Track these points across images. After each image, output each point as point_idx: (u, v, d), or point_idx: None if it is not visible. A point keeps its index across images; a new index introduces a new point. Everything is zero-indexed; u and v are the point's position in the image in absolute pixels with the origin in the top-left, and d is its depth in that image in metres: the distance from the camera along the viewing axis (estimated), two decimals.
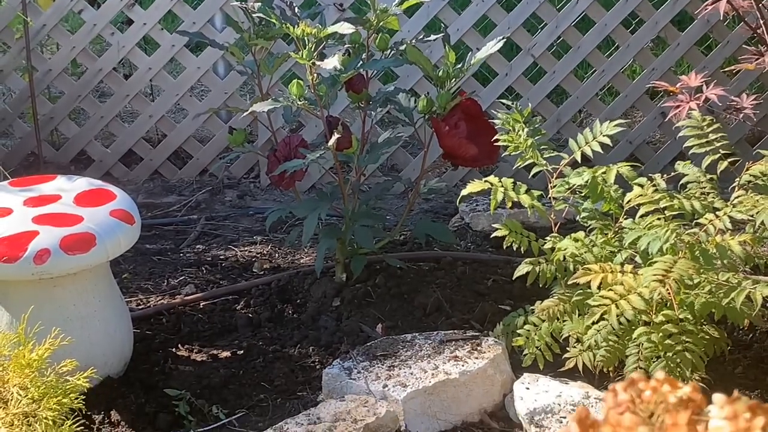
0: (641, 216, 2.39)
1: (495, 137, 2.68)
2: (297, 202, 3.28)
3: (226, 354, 2.90)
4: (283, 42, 3.95)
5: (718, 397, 0.72)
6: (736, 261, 2.41)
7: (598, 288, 2.25)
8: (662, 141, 4.40)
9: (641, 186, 2.41)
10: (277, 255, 3.60)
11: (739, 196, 2.40)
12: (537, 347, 2.53)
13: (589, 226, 2.60)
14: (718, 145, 2.55)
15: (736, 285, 2.24)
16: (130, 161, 4.39)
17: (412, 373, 2.52)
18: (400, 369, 2.55)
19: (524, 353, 2.55)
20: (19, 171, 3.98)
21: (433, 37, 3.07)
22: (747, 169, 2.50)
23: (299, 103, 2.86)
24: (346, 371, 2.56)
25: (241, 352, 2.90)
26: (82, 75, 4.32)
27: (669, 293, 2.18)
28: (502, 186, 2.50)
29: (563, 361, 2.49)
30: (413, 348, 2.64)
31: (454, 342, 2.66)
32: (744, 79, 4.09)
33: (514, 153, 2.60)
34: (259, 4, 2.92)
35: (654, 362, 2.31)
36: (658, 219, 2.33)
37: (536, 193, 2.55)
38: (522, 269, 2.56)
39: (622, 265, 2.34)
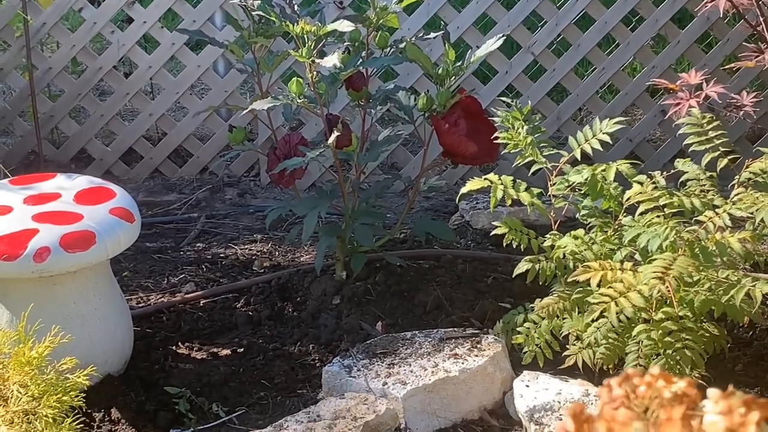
0: (641, 213, 2.39)
1: (495, 135, 2.68)
2: (297, 200, 3.28)
3: (226, 352, 2.90)
4: (283, 40, 3.95)
5: (712, 392, 0.72)
6: (735, 258, 2.41)
7: (598, 285, 2.25)
8: (662, 139, 4.40)
9: (641, 183, 2.41)
10: (277, 253, 3.60)
11: (738, 194, 2.40)
12: (537, 345, 2.53)
13: (589, 223, 2.60)
14: (718, 142, 2.55)
15: (736, 282, 2.24)
16: (130, 159, 4.40)
17: (411, 371, 2.52)
18: (400, 367, 2.55)
19: (524, 351, 2.55)
20: (19, 169, 3.98)
21: (432, 34, 3.08)
22: (747, 167, 2.50)
23: (299, 101, 2.86)
24: (346, 369, 2.56)
25: (242, 350, 2.90)
26: (83, 73, 4.32)
27: (668, 291, 2.18)
28: (502, 184, 2.50)
29: (563, 358, 2.49)
30: (413, 346, 2.64)
31: (454, 340, 2.66)
32: (744, 76, 4.09)
33: (513, 151, 2.60)
34: (259, 2, 2.92)
35: (654, 360, 2.31)
36: (658, 216, 2.33)
37: (536, 190, 2.55)
38: (522, 267, 2.56)
39: (621, 262, 2.34)
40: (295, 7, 3.00)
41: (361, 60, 2.96)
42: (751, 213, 2.32)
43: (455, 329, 2.74)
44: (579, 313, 2.45)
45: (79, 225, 2.57)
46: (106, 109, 4.31)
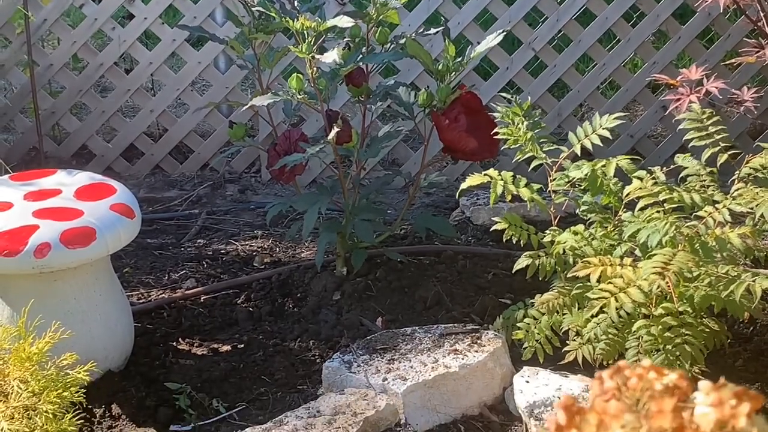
0: (640, 209, 2.39)
1: (495, 130, 2.68)
2: (297, 196, 3.28)
3: (226, 348, 2.90)
4: (283, 36, 3.96)
5: (703, 384, 0.72)
6: (735, 254, 2.41)
7: (598, 281, 2.25)
8: (663, 135, 4.40)
9: (640, 179, 2.41)
10: (277, 249, 3.60)
11: (738, 189, 2.40)
12: (537, 340, 2.53)
13: (589, 219, 2.60)
14: (718, 138, 2.54)
15: (736, 277, 2.24)
16: (131, 156, 4.40)
17: (411, 367, 2.52)
18: (399, 362, 2.55)
19: (524, 346, 2.55)
20: (20, 166, 3.98)
21: (433, 30, 3.07)
22: (747, 162, 2.49)
23: (299, 96, 2.86)
24: (346, 365, 2.56)
25: (242, 345, 2.91)
26: (84, 70, 4.33)
27: (668, 286, 2.18)
28: (502, 179, 2.50)
29: (563, 354, 2.49)
30: (413, 341, 2.65)
31: (454, 335, 2.66)
32: (745, 72, 4.09)
33: (513, 146, 2.60)
34: None
35: (654, 355, 2.31)
36: (658, 212, 2.33)
37: (536, 186, 2.55)
38: (521, 262, 2.56)
39: (621, 258, 2.34)
40: (295, 3, 3.00)
41: (361, 56, 2.96)
42: (751, 208, 2.31)
43: (455, 325, 2.75)
44: (579, 308, 2.45)
45: (79, 221, 2.57)
46: (107, 106, 4.32)
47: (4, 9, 4.18)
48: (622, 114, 2.58)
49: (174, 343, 2.94)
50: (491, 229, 2.71)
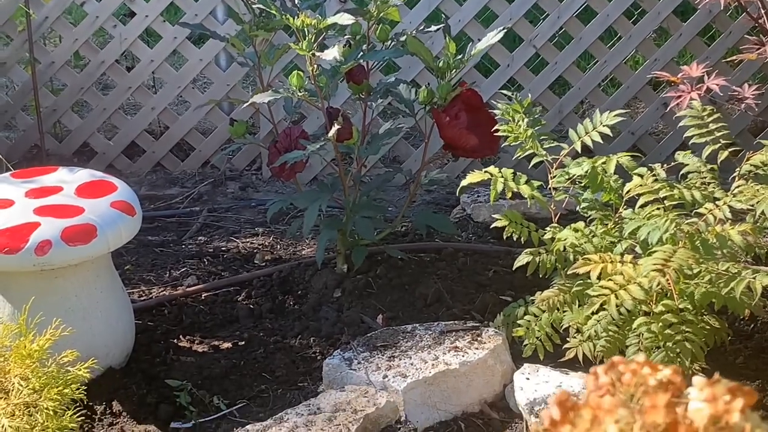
0: (641, 206, 2.38)
1: (495, 128, 2.67)
2: (298, 193, 3.28)
3: (227, 345, 2.91)
4: (284, 33, 3.96)
5: (697, 380, 0.72)
6: (736, 251, 2.41)
7: (598, 278, 2.25)
8: (665, 132, 4.40)
9: (641, 176, 2.41)
10: (278, 246, 3.61)
11: (739, 186, 2.40)
12: (537, 338, 2.53)
13: (590, 216, 2.60)
14: (719, 135, 2.54)
15: (736, 274, 2.24)
16: (132, 153, 4.40)
17: (412, 364, 2.52)
18: (400, 359, 2.55)
19: (524, 344, 2.55)
20: (22, 163, 3.99)
21: (433, 27, 3.07)
22: (747, 159, 2.49)
23: (299, 94, 2.86)
24: (346, 362, 2.57)
25: (242, 343, 2.91)
26: (85, 67, 4.33)
27: (669, 283, 2.18)
28: (502, 177, 2.50)
29: (563, 351, 2.49)
30: (413, 339, 2.65)
31: (454, 332, 2.66)
32: (747, 69, 4.08)
33: (513, 144, 2.60)
34: None
35: (654, 352, 2.31)
36: (658, 209, 2.33)
37: (536, 183, 2.55)
38: (522, 259, 2.56)
39: (621, 255, 2.33)
40: (296, 1, 3.00)
41: (361, 53, 2.96)
42: (752, 205, 2.31)
43: (456, 322, 2.75)
44: (579, 305, 2.45)
45: (80, 218, 2.58)
46: (109, 103, 4.32)
47: (5, 7, 4.18)
48: (622, 111, 2.58)
49: (175, 341, 2.94)
50: (492, 226, 2.71)
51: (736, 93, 3.15)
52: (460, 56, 2.96)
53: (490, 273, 3.23)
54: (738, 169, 2.50)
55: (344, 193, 3.11)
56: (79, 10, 4.68)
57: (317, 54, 2.76)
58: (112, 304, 2.70)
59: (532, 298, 2.58)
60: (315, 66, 2.85)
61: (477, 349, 2.58)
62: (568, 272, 2.42)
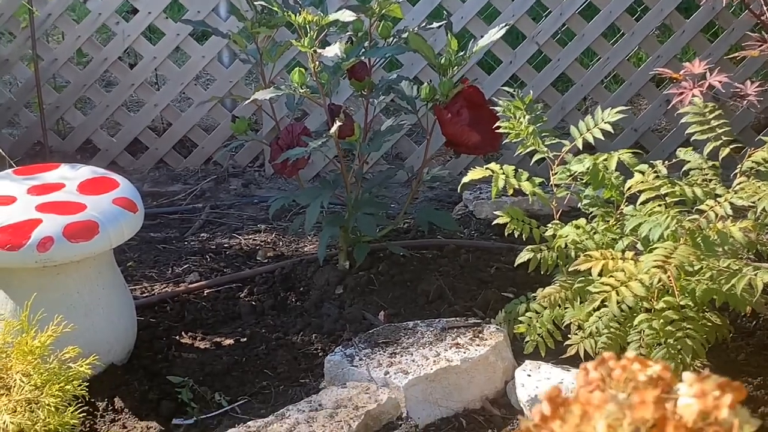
0: (642, 203, 2.38)
1: (496, 124, 2.67)
2: (300, 190, 3.29)
3: (229, 341, 2.91)
4: (287, 30, 3.96)
5: (687, 376, 0.73)
6: (737, 247, 2.40)
7: (599, 275, 2.25)
8: (667, 129, 4.40)
9: (642, 173, 2.41)
10: (280, 243, 3.61)
11: (740, 183, 2.40)
12: (539, 334, 2.53)
13: (591, 213, 2.60)
14: (720, 131, 2.54)
15: (737, 271, 2.24)
16: (135, 150, 4.41)
17: (413, 361, 2.52)
18: (401, 356, 2.55)
19: (526, 340, 2.55)
20: (25, 160, 3.99)
21: (435, 24, 3.07)
22: (749, 156, 2.49)
23: (301, 91, 2.86)
24: (348, 358, 2.57)
25: (244, 339, 2.91)
26: (88, 64, 4.33)
27: (670, 280, 2.18)
28: (504, 173, 2.50)
29: (565, 348, 2.49)
30: (415, 335, 2.65)
31: (456, 329, 2.66)
32: (750, 66, 4.08)
33: (515, 140, 2.60)
34: None
35: (655, 349, 2.31)
36: (659, 206, 2.33)
37: (538, 180, 2.55)
38: (523, 256, 2.55)
39: (623, 251, 2.33)
40: None
41: (363, 50, 2.96)
42: (753, 202, 2.31)
43: (457, 319, 2.75)
44: (581, 302, 2.45)
45: (82, 215, 2.58)
46: (112, 100, 4.32)
47: (8, 4, 4.18)
48: (624, 108, 2.58)
49: (177, 337, 2.95)
50: (493, 223, 2.71)
51: (739, 90, 3.15)
52: (461, 53, 2.96)
53: (492, 270, 3.23)
54: (739, 165, 2.49)
55: (346, 190, 3.11)
56: (82, 7, 4.69)
57: (319, 51, 2.76)
58: (114, 300, 2.71)
59: (533, 294, 2.58)
60: (317, 63, 2.85)
61: (478, 345, 2.58)
62: (570, 269, 2.42)
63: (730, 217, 2.27)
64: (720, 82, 2.91)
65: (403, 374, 2.47)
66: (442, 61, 2.97)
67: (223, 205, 4.01)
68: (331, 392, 2.45)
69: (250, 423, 2.37)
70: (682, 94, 2.90)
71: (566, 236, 2.47)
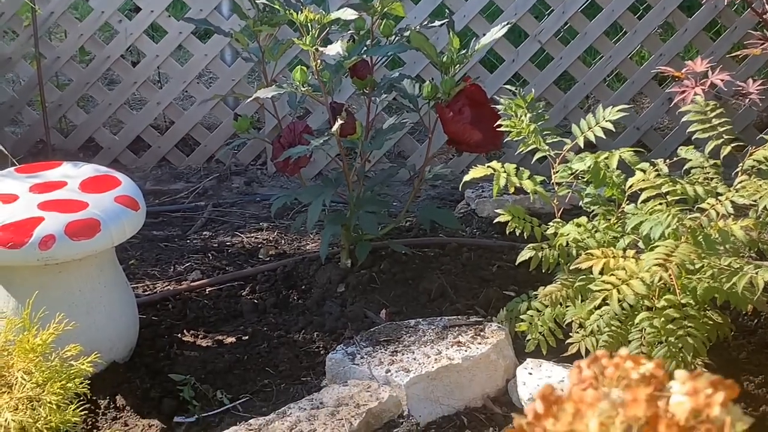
0: (643, 201, 2.38)
1: (497, 122, 2.67)
2: (302, 188, 3.29)
3: (231, 339, 2.91)
4: (289, 29, 3.96)
5: (679, 374, 0.73)
6: (738, 246, 2.40)
7: (600, 273, 2.25)
8: (670, 127, 4.39)
9: (643, 171, 2.41)
10: (283, 241, 3.61)
11: (742, 181, 2.40)
12: (540, 332, 2.52)
13: (592, 211, 2.60)
14: (722, 130, 2.53)
15: (738, 269, 2.23)
16: (138, 148, 4.41)
17: (415, 359, 2.53)
18: (403, 354, 2.55)
19: (527, 338, 2.55)
20: (27, 158, 4.00)
21: (437, 22, 3.07)
22: (750, 155, 2.49)
23: (303, 89, 2.86)
24: (349, 356, 2.57)
25: (246, 337, 2.92)
26: (90, 62, 4.34)
27: (671, 278, 2.18)
28: (505, 171, 2.50)
29: (566, 346, 2.49)
30: (417, 333, 2.65)
31: (457, 327, 2.67)
32: (752, 64, 4.08)
33: (516, 139, 2.60)
34: None
35: (657, 347, 2.31)
36: (660, 204, 2.33)
37: (539, 178, 2.54)
38: (524, 254, 2.55)
39: (624, 250, 2.33)
40: None
41: (365, 48, 2.96)
42: (754, 200, 2.31)
43: (459, 317, 2.75)
44: (582, 300, 2.45)
45: (84, 213, 2.58)
46: (114, 98, 4.33)
47: (11, 2, 4.19)
48: (625, 106, 2.57)
49: (179, 335, 2.95)
50: (495, 221, 2.71)
51: (741, 88, 3.15)
52: (464, 51, 2.96)
53: (494, 268, 3.23)
54: (741, 164, 2.49)
55: (348, 188, 3.11)
56: (85, 6, 4.69)
57: (321, 49, 2.76)
58: (115, 298, 2.71)
59: (535, 293, 2.58)
60: (319, 61, 2.85)
61: (480, 344, 2.58)
62: (571, 267, 2.41)
63: (732, 216, 2.27)
64: (722, 80, 2.91)
65: (405, 372, 2.47)
66: (444, 59, 2.96)
67: (226, 203, 4.02)
68: (333, 390, 2.45)
69: (251, 421, 2.37)
70: (683, 92, 2.90)
71: (567, 234, 2.47)
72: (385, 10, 2.92)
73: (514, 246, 3.22)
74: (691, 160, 2.59)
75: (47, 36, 4.38)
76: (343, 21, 2.84)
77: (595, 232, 2.48)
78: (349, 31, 3.03)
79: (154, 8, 4.20)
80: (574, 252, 2.49)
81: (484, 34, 3.01)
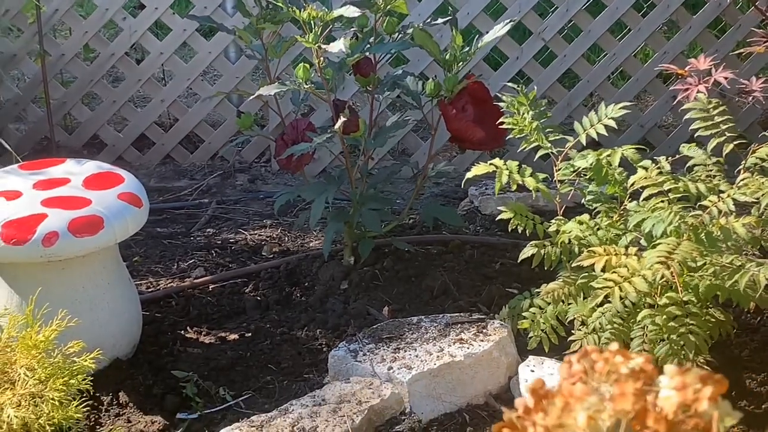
0: (645, 198, 2.38)
1: (500, 120, 2.67)
2: (306, 185, 3.29)
3: (234, 336, 2.92)
4: (293, 26, 3.96)
5: (669, 368, 0.73)
6: (741, 243, 2.40)
7: (602, 270, 2.25)
8: (674, 125, 4.39)
9: (645, 169, 2.41)
10: (286, 238, 3.62)
11: (744, 179, 2.39)
12: (542, 330, 2.53)
13: (594, 208, 2.60)
14: (724, 128, 2.53)
15: (740, 267, 2.23)
16: (142, 146, 4.42)
17: (417, 356, 2.53)
18: (405, 351, 2.56)
19: (530, 336, 2.55)
20: (32, 155, 4.00)
21: (440, 20, 3.07)
22: (753, 152, 2.49)
23: (306, 86, 2.87)
24: (351, 354, 2.57)
25: (249, 334, 2.92)
26: (95, 60, 4.35)
27: (673, 275, 2.18)
28: (507, 169, 2.49)
29: (568, 343, 2.49)
30: (419, 331, 2.65)
31: (459, 325, 2.67)
32: (757, 62, 4.07)
33: (518, 136, 2.60)
34: None
35: (659, 345, 2.31)
36: (662, 201, 2.32)
37: (541, 176, 2.54)
38: (527, 252, 2.55)
39: (626, 247, 2.33)
40: None
41: (368, 45, 2.96)
42: (757, 198, 2.31)
43: (461, 314, 2.75)
44: (584, 298, 2.45)
45: (87, 210, 2.59)
46: (119, 96, 4.34)
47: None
48: (628, 103, 2.57)
49: (182, 332, 2.96)
50: (497, 219, 2.71)
51: (744, 86, 3.14)
52: (467, 49, 2.96)
53: (497, 265, 3.23)
54: (743, 161, 2.49)
55: (351, 186, 3.12)
56: (89, 3, 4.71)
57: (323, 47, 2.77)
58: (118, 295, 2.72)
59: (537, 290, 2.58)
60: (321, 58, 2.85)
61: (482, 341, 2.58)
62: (573, 265, 2.42)
63: (734, 213, 2.27)
64: (725, 78, 2.91)
65: (407, 369, 2.47)
66: (447, 56, 2.97)
67: (229, 200, 4.02)
68: (335, 387, 2.45)
69: (253, 418, 2.37)
70: (687, 90, 2.90)
71: (570, 232, 2.47)
72: (389, 7, 2.92)
73: (517, 243, 3.21)
74: (693, 157, 2.59)
75: (52, 33, 4.39)
76: (346, 18, 2.84)
77: (598, 229, 2.48)
78: (352, 29, 3.03)
79: (159, 5, 4.21)
80: (576, 249, 2.49)
81: (488, 32, 3.01)
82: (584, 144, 2.56)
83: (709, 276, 2.30)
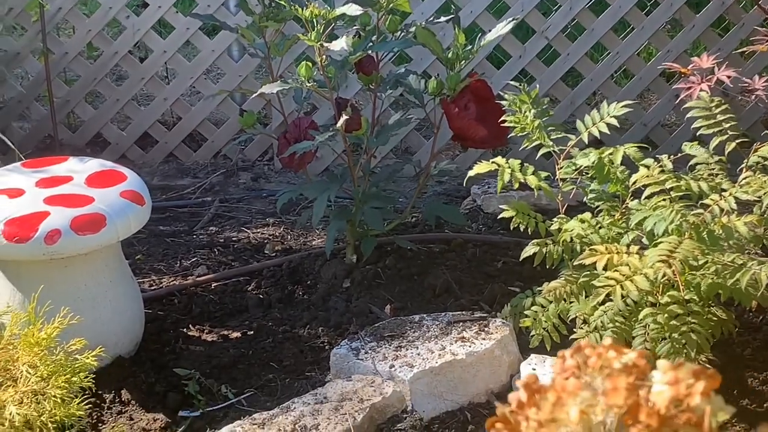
0: (647, 197, 2.38)
1: (502, 118, 2.67)
2: (308, 184, 3.29)
3: (236, 334, 2.92)
4: (296, 24, 3.96)
5: (661, 363, 0.73)
6: (743, 242, 2.40)
7: (604, 269, 2.24)
8: (677, 123, 4.39)
9: (647, 167, 2.40)
10: (289, 237, 3.62)
11: (746, 178, 2.39)
12: (544, 328, 2.52)
13: (596, 207, 2.60)
14: (727, 126, 2.53)
15: (742, 266, 2.23)
16: (145, 144, 4.42)
17: (419, 354, 2.53)
18: (407, 350, 2.56)
19: (531, 334, 2.55)
20: (35, 153, 4.01)
21: (443, 18, 3.07)
22: (755, 151, 2.48)
23: (308, 84, 2.87)
24: (353, 352, 2.58)
25: (252, 332, 2.92)
26: (98, 58, 4.35)
27: (674, 274, 2.18)
28: (509, 167, 2.49)
29: (570, 342, 2.48)
30: (421, 329, 2.65)
31: (461, 323, 2.67)
32: (760, 61, 4.06)
33: (520, 134, 2.60)
34: None
35: (660, 343, 2.31)
36: (664, 200, 2.32)
37: (543, 174, 2.54)
38: (529, 250, 2.55)
39: (628, 246, 2.33)
40: None
41: (370, 44, 2.96)
42: (759, 197, 2.30)
43: (463, 312, 2.75)
44: (586, 296, 2.45)
45: (89, 208, 2.59)
46: (122, 94, 4.34)
47: None
48: (630, 102, 2.57)
49: (184, 330, 2.96)
50: (499, 217, 2.71)
51: (747, 85, 3.14)
52: (469, 47, 2.96)
53: (499, 264, 3.23)
54: (746, 160, 2.49)
55: (353, 184, 3.12)
56: (93, 1, 4.71)
57: (326, 45, 2.77)
58: (121, 293, 2.72)
59: (539, 288, 2.58)
60: (324, 57, 2.85)
61: (484, 339, 2.58)
62: (575, 263, 2.42)
63: (735, 212, 2.27)
64: (728, 76, 2.90)
65: (409, 368, 2.48)
66: (450, 55, 2.97)
67: (232, 198, 4.03)
68: (337, 385, 2.46)
69: (255, 415, 2.38)
70: (690, 88, 2.89)
71: (571, 230, 2.47)
72: (391, 5, 2.93)
73: (519, 242, 3.21)
74: (696, 156, 2.59)
75: (55, 32, 4.40)
76: (349, 16, 2.84)
77: (599, 228, 2.47)
78: (355, 27, 3.03)
79: (162, 4, 4.21)
80: (578, 248, 2.48)
81: (491, 30, 3.01)
82: (587, 142, 2.56)
83: (710, 275, 2.29)
